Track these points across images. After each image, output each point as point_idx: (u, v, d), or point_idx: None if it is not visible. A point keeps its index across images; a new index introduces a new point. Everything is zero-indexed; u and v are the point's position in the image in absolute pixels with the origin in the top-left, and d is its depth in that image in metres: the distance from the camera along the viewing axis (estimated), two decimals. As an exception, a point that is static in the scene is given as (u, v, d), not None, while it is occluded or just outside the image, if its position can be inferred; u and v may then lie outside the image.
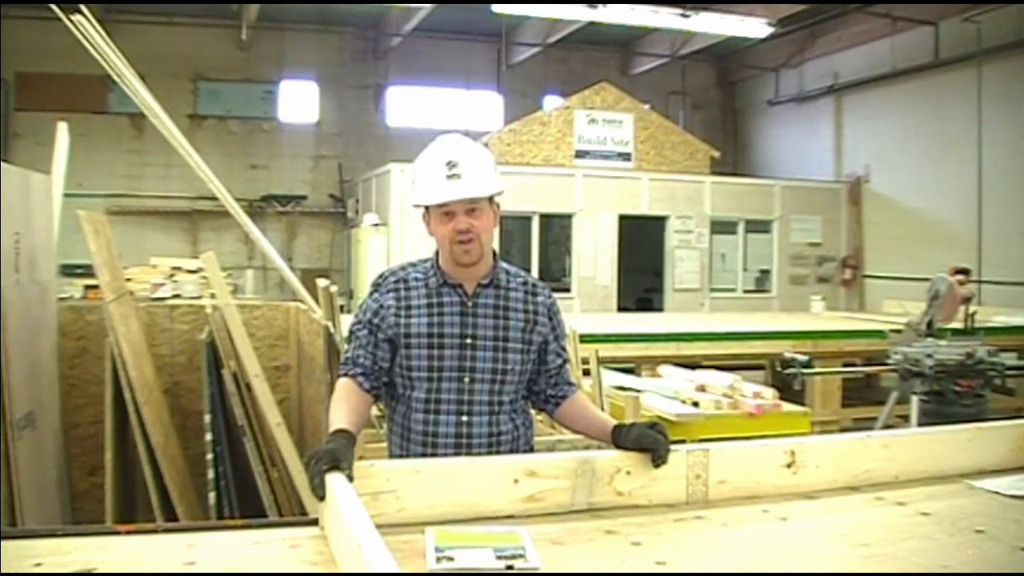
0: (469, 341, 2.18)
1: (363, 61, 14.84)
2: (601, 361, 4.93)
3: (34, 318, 3.39)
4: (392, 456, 2.24)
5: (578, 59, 15.53)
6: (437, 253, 2.26)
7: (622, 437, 2.00)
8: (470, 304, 2.21)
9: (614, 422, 2.11)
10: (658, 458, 1.91)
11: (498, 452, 2.18)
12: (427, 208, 2.20)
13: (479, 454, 2.15)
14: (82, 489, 3.96)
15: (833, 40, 14.09)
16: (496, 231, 2.30)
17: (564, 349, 2.34)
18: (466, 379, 2.17)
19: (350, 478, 1.68)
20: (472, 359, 2.17)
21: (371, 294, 2.28)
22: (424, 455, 2.15)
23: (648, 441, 1.93)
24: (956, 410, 4.85)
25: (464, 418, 2.17)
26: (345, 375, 2.20)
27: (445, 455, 2.14)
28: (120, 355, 3.33)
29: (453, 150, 2.17)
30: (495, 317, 2.21)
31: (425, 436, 2.17)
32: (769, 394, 5.43)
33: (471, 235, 2.15)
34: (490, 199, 2.21)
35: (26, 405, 3.13)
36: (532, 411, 2.39)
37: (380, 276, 2.31)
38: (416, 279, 2.24)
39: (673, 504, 1.92)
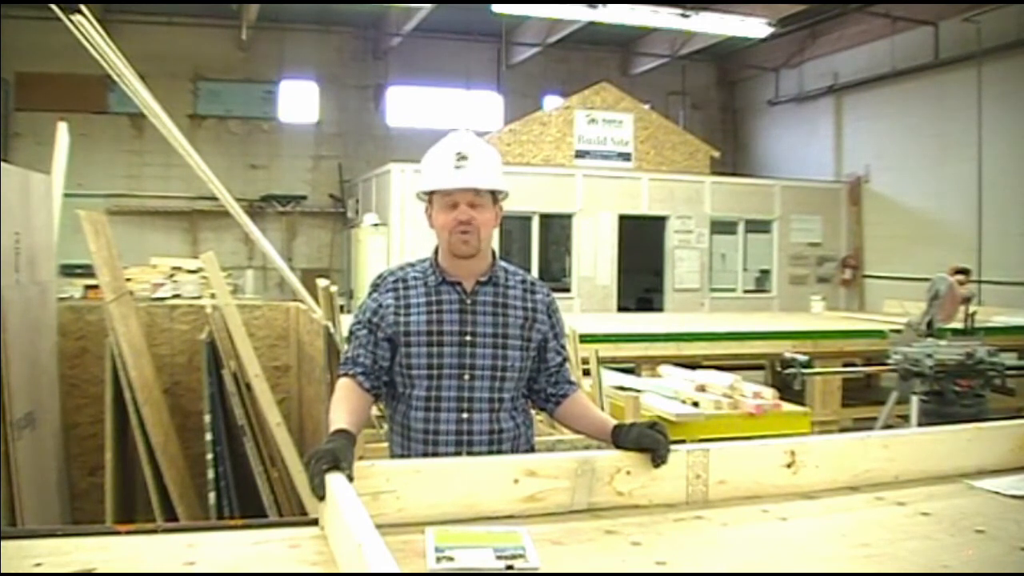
0: (469, 338, 2.18)
1: (363, 61, 14.84)
2: (601, 361, 4.92)
3: (34, 318, 3.39)
4: (393, 455, 2.24)
5: (578, 59, 15.53)
6: (436, 251, 2.27)
7: (622, 437, 2.00)
8: (469, 301, 2.21)
9: (614, 422, 2.12)
10: (658, 458, 1.91)
11: (499, 450, 2.18)
12: (431, 200, 2.23)
13: (480, 452, 2.15)
14: (82, 489, 3.96)
15: (833, 40, 14.10)
16: (496, 232, 2.31)
17: (564, 347, 2.35)
18: (466, 376, 2.17)
19: (350, 478, 1.68)
20: (472, 356, 2.18)
21: (370, 294, 2.29)
22: (425, 453, 2.16)
23: (648, 441, 1.93)
24: (956, 410, 4.84)
25: (465, 415, 2.17)
26: (345, 375, 2.21)
27: (446, 453, 2.14)
28: (120, 355, 3.33)
29: (464, 143, 2.21)
30: (494, 314, 2.22)
31: (426, 434, 2.17)
32: (769, 394, 5.43)
33: (471, 226, 2.17)
34: (494, 198, 2.24)
35: (26, 405, 3.13)
36: (532, 410, 2.39)
37: (379, 276, 2.32)
38: (415, 278, 2.25)
39: (673, 504, 1.91)
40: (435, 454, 2.15)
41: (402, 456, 2.19)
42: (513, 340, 2.21)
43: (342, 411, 2.06)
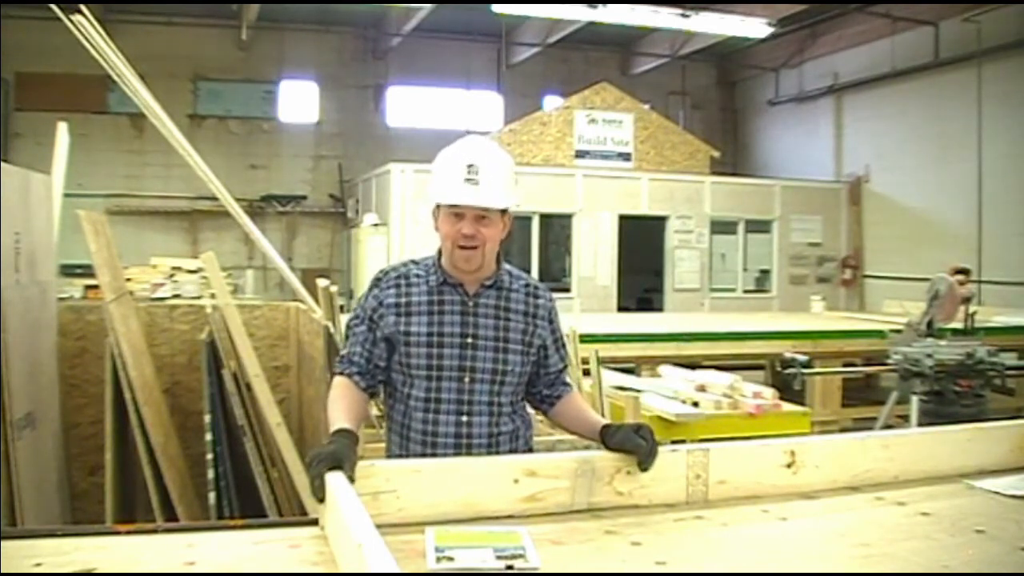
0: (470, 341, 2.17)
1: (363, 61, 14.84)
2: (601, 361, 4.92)
3: (34, 318, 3.39)
4: (391, 455, 2.24)
5: (578, 59, 15.53)
6: (440, 251, 2.24)
7: (608, 438, 1.99)
8: (471, 304, 2.20)
9: (604, 422, 2.11)
10: (641, 463, 1.90)
11: (497, 452, 2.17)
12: (438, 205, 2.18)
13: (479, 454, 2.14)
14: (82, 489, 3.96)
15: (833, 40, 14.10)
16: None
17: (565, 354, 2.35)
18: (466, 379, 2.16)
19: (351, 479, 1.67)
20: (472, 359, 2.16)
21: (371, 290, 2.25)
22: (424, 454, 2.14)
23: (631, 445, 1.91)
24: (956, 410, 4.85)
25: (464, 418, 2.16)
26: (341, 373, 2.19)
27: (445, 455, 2.13)
28: (120, 355, 3.33)
29: (476, 154, 2.14)
30: (496, 318, 2.20)
31: (425, 435, 2.16)
32: (769, 394, 5.42)
33: (475, 242, 2.12)
34: (502, 211, 2.18)
35: (26, 405, 3.13)
36: (530, 411, 2.39)
37: (381, 272, 2.29)
38: (417, 276, 2.22)
39: (673, 504, 1.91)
40: (433, 455, 2.13)
41: (399, 456, 2.18)
42: (514, 344, 2.20)
43: (340, 410, 2.04)
